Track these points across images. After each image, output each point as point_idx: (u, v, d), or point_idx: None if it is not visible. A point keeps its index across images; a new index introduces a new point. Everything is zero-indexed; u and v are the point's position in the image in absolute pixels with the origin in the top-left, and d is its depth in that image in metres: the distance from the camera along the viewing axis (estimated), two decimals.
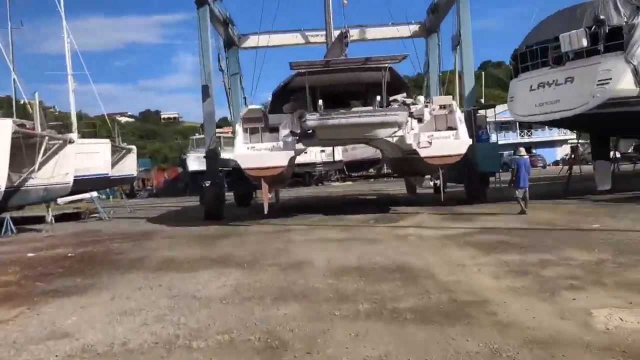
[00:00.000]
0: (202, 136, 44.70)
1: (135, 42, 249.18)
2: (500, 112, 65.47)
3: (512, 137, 64.41)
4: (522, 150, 16.78)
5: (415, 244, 11.05)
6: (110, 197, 45.08)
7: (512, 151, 57.77)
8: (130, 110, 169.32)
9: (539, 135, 65.06)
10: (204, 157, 21.89)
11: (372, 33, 29.14)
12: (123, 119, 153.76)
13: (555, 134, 66.09)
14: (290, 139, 16.41)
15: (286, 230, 14.72)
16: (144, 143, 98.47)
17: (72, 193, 23.28)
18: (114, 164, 24.68)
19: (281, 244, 12.21)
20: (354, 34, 25.40)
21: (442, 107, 17.19)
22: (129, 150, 26.45)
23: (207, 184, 19.71)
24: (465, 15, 21.92)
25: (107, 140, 23.00)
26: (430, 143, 16.26)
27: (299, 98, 17.20)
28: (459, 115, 17.17)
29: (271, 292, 7.48)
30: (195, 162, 41.07)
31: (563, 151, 67.72)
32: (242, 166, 16.12)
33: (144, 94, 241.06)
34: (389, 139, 17.20)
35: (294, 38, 28.93)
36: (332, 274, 8.37)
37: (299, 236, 13.41)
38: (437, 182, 18.60)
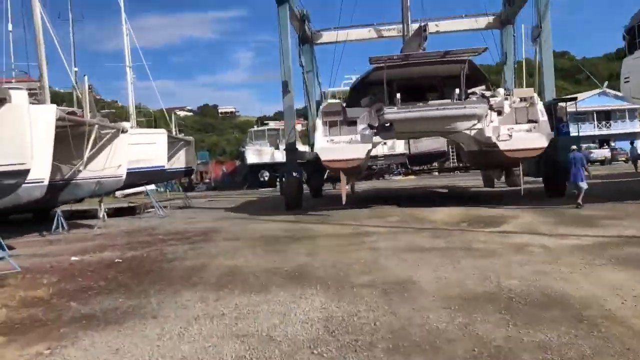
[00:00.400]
0: (261, 128, 43.52)
1: (192, 37, 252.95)
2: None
3: (588, 129, 59.62)
4: (573, 146, 16.11)
5: (546, 258, 8.50)
6: (167, 190, 44.38)
7: (588, 144, 53.86)
8: (189, 105, 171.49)
9: (618, 127, 59.90)
10: (284, 149, 22.20)
11: (447, 25, 28.56)
12: (182, 113, 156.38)
13: (637, 125, 60.94)
14: (367, 132, 16.60)
15: (365, 234, 12.50)
16: (202, 136, 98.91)
17: (126, 186, 22.42)
18: (171, 156, 23.18)
19: (366, 253, 9.96)
20: (429, 27, 24.92)
21: (523, 99, 16.87)
22: (188, 142, 24.86)
23: (288, 175, 20.49)
24: (544, 6, 20.41)
25: (164, 131, 21.38)
26: (510, 136, 15.91)
27: (378, 92, 17.33)
28: (540, 108, 16.61)
29: (380, 334, 5.24)
30: (255, 155, 39.59)
31: None
32: (322, 158, 16.19)
33: (202, 89, 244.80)
34: (468, 132, 16.80)
35: (368, 33, 28.75)
36: (455, 305, 6.05)
37: (384, 242, 11.13)
38: (517, 175, 18.59)
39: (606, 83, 61.05)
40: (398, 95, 16.18)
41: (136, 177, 19.45)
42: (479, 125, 16.39)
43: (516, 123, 16.41)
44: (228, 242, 12.51)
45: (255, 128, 43.91)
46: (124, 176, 17.28)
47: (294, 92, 22.07)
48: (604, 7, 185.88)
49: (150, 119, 27.94)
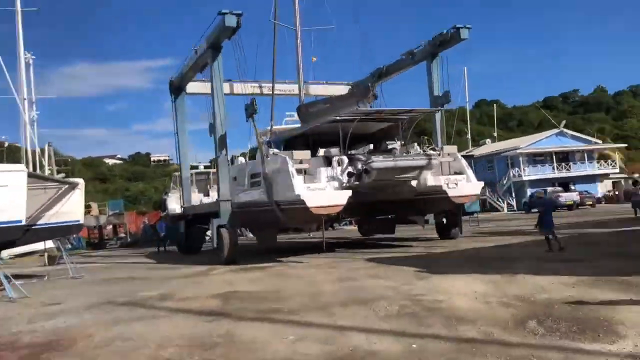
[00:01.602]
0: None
1: (126, 86, 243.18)
2: (532, 144, 58.13)
3: (547, 172, 56.05)
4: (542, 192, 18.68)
5: None
6: (71, 247, 36.25)
7: (544, 189, 49.84)
8: (122, 153, 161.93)
9: (578, 169, 56.60)
10: (220, 200, 20.35)
11: (332, 90, 29.88)
12: (111, 161, 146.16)
13: (596, 167, 57.99)
14: (346, 179, 17.80)
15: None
16: (128, 185, 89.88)
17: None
18: (42, 206, 15.94)
19: None
20: (317, 89, 30.80)
21: (448, 154, 19.79)
22: (72, 186, 17.48)
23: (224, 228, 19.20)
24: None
25: (21, 167, 13.96)
26: (456, 184, 18.84)
27: (300, 143, 19.58)
28: (464, 162, 20.21)
29: None
30: (178, 203, 32.27)
31: (604, 187, 59.48)
32: (309, 204, 16.21)
33: (135, 137, 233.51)
34: (419, 180, 19.10)
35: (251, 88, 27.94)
36: None
37: None
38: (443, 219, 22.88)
39: (563, 122, 58.25)
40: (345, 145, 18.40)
41: None
42: (426, 175, 19.06)
43: (442, 174, 19.23)
44: None
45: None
46: None
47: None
48: (530, 57, 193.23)
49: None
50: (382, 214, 23.64)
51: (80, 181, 18.02)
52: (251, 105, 19.38)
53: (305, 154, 18.08)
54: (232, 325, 8.44)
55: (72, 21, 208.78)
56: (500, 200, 55.38)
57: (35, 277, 18.98)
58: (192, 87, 27.20)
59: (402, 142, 20.40)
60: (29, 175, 14.21)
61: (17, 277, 17.65)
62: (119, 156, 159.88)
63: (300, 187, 16.66)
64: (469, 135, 75.71)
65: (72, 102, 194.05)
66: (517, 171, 55.25)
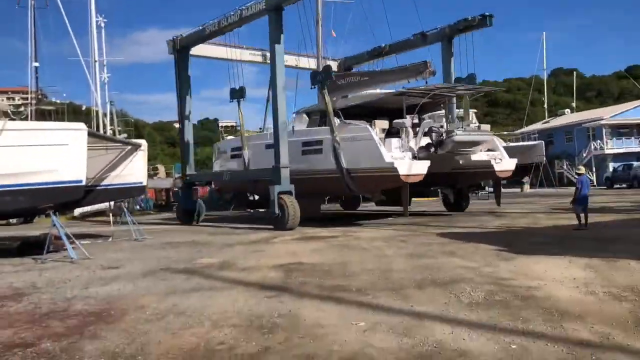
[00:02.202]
0: (233, 138, 35.68)
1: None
2: (617, 114, 53.92)
3: (633, 145, 51.97)
4: (582, 169, 17.57)
5: None
6: (141, 208, 37.03)
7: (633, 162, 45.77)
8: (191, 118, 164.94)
9: None
10: (281, 167, 19.35)
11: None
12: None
13: None
14: (424, 150, 18.70)
15: None
16: (196, 149, 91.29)
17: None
18: (105, 167, 15.65)
19: None
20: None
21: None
22: (135, 147, 17.08)
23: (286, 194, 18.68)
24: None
25: (81, 125, 13.50)
26: (501, 160, 21.24)
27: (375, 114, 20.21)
28: (497, 140, 22.64)
29: None
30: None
31: None
32: (401, 172, 17.21)
33: (204, 103, 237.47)
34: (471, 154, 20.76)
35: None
36: None
37: None
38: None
39: None
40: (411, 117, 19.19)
41: (17, 198, 11.88)
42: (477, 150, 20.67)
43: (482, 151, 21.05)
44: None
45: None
46: None
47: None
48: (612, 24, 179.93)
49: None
50: (432, 185, 24.46)
51: (143, 142, 17.61)
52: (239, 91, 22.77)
53: (385, 123, 19.29)
54: (294, 303, 7.55)
55: None
56: None
57: (100, 237, 19.02)
58: (201, 49, 26.04)
59: (461, 117, 22.02)
60: (90, 135, 13.76)
61: (83, 236, 17.74)
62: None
63: (390, 156, 17.62)
64: (545, 105, 71.55)
65: (144, 67, 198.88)
66: (599, 143, 51.56)
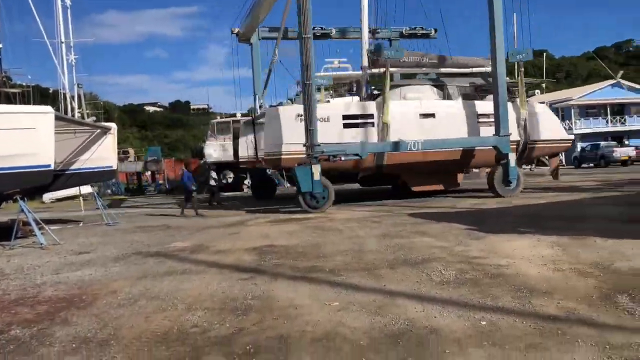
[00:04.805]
0: (225, 120, 35.45)
1: (158, 34, 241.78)
2: (586, 94, 54.87)
3: (600, 125, 53.08)
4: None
5: None
6: (109, 192, 36.48)
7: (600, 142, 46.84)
8: (162, 100, 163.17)
9: (633, 123, 53.34)
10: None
11: None
12: (152, 109, 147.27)
13: None
14: None
15: None
16: (167, 131, 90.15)
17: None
18: (74, 151, 15.32)
19: None
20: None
21: None
22: (104, 130, 16.77)
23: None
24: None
25: (48, 108, 13.15)
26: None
27: None
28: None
29: None
30: (216, 151, 31.76)
31: None
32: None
33: (175, 86, 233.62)
34: None
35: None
36: None
37: None
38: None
39: (620, 73, 54.56)
40: None
41: None
42: None
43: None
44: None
45: (218, 119, 35.69)
46: None
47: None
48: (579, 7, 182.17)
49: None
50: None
51: (113, 125, 17.30)
52: None
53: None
54: (268, 285, 7.57)
55: None
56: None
57: (70, 222, 18.72)
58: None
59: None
60: (57, 118, 13.43)
61: (53, 222, 17.44)
62: (159, 104, 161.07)
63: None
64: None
65: (110, 48, 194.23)
66: (568, 124, 52.53)
